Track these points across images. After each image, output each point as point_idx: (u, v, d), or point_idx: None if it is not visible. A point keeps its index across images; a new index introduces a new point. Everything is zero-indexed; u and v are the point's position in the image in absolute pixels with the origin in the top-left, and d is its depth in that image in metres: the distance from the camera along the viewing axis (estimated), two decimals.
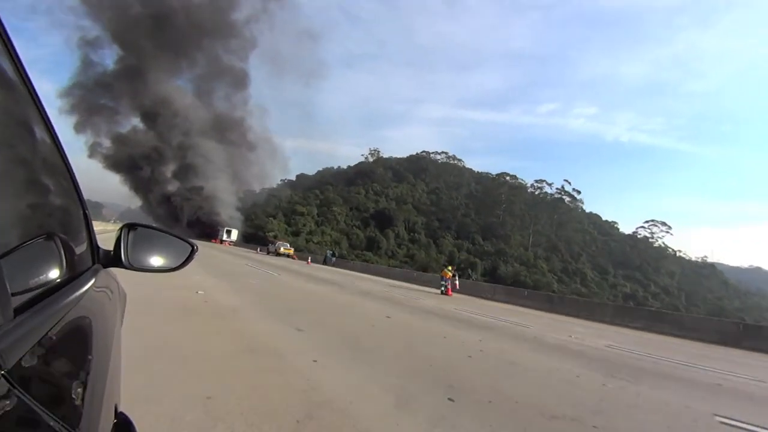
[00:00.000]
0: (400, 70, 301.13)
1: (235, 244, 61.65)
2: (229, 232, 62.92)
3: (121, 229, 1.37)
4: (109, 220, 70.84)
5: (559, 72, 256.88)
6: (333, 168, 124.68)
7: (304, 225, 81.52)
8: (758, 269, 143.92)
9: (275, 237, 61.51)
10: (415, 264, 74.40)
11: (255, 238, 69.92)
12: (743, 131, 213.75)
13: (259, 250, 46.55)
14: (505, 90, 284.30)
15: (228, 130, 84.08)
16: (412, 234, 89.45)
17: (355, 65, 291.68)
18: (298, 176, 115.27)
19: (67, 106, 76.50)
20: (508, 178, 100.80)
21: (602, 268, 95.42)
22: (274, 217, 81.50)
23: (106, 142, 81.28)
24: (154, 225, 1.52)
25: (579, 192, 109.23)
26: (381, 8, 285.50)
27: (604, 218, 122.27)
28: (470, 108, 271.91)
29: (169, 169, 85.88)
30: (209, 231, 72.41)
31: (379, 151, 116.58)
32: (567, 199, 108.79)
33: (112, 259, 1.36)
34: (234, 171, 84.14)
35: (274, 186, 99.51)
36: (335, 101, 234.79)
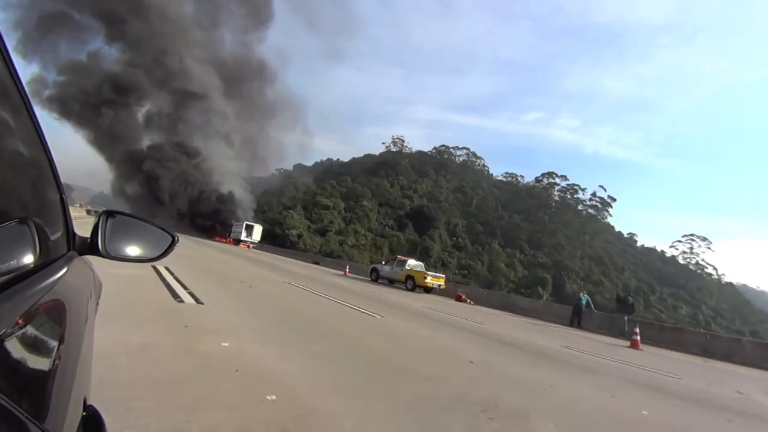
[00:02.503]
0: (390, 69, 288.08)
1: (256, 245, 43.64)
2: (249, 229, 44.47)
3: (99, 215, 1.32)
4: (76, 204, 50.39)
5: (545, 82, 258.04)
6: (332, 160, 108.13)
7: (331, 222, 64.24)
8: (729, 284, 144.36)
9: (392, 254, 43.39)
10: (477, 279, 59.91)
11: (272, 237, 52.09)
12: (715, 150, 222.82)
13: (346, 271, 24.88)
14: (493, 96, 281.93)
15: (240, 80, 63.03)
16: (454, 239, 74.75)
17: (345, 61, 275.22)
18: (316, 164, 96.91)
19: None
20: (556, 179, 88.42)
21: (650, 286, 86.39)
22: (292, 210, 63.39)
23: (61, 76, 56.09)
24: (131, 213, 1.44)
25: (614, 199, 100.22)
26: (376, 4, 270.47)
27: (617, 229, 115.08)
28: (458, 112, 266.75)
29: (148, 112, 62.89)
30: (210, 222, 53.12)
31: (403, 140, 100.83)
32: (599, 206, 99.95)
33: (89, 247, 1.31)
34: (246, 140, 63.88)
35: (290, 169, 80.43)
36: (319, 95, 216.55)
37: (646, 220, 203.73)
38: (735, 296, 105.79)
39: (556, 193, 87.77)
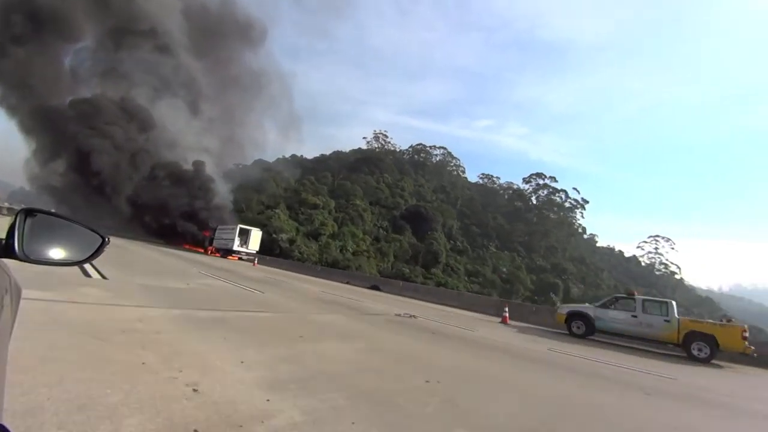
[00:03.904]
0: (348, 69, 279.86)
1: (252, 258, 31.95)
2: (245, 235, 32.50)
3: (17, 214, 1.21)
4: None
5: (496, 91, 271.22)
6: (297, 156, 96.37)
7: (323, 224, 54.19)
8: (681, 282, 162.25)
9: (397, 261, 35.63)
10: (493, 287, 53.92)
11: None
12: (642, 159, 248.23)
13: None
14: (447, 103, 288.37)
15: (218, 36, 49.18)
16: (452, 242, 68.39)
17: (301, 58, 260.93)
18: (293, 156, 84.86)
19: None
20: (547, 180, 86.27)
21: (629, 286, 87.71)
22: (276, 209, 52.30)
23: None
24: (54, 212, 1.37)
25: (587, 201, 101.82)
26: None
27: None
28: (414, 116, 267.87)
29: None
30: (175, 226, 40.50)
31: (386, 136, 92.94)
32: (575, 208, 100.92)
33: (3, 249, 1.18)
34: (219, 117, 50.43)
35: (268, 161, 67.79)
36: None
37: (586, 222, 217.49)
38: (690, 293, 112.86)
39: (544, 194, 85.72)
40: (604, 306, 12.38)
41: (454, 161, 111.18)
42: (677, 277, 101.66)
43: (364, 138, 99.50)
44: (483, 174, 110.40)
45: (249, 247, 31.35)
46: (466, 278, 56.05)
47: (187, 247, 39.27)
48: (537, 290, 58.40)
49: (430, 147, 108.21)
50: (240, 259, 30.46)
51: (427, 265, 55.97)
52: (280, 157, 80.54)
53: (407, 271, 47.82)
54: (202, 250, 36.21)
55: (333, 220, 57.72)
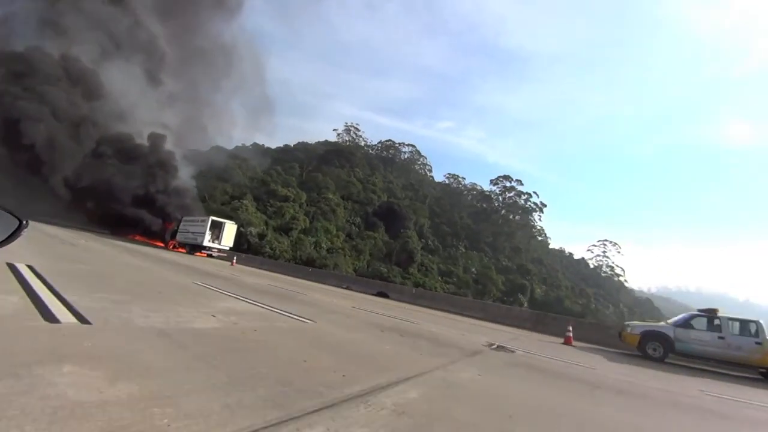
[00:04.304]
0: (311, 60, 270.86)
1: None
2: (217, 228, 28.03)
3: None
4: None
5: (458, 94, 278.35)
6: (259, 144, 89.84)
7: (294, 218, 50.65)
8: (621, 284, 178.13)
9: (373, 259, 33.09)
10: (467, 287, 53.66)
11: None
12: (585, 169, 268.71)
13: None
14: (411, 101, 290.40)
15: (186, 3, 42.98)
16: (423, 241, 67.49)
17: (262, 44, 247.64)
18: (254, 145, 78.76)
19: None
20: (513, 183, 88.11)
21: (580, 287, 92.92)
22: (241, 199, 47.92)
23: None
24: None
25: (545, 205, 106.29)
26: None
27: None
28: (378, 112, 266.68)
29: None
30: (126, 213, 35.04)
31: (358, 128, 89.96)
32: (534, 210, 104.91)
33: None
34: (181, 92, 44.36)
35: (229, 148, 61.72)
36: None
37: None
38: (630, 294, 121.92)
39: (509, 196, 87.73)
40: (684, 326, 11.23)
41: (421, 159, 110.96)
42: (622, 279, 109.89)
43: (334, 130, 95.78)
44: (449, 174, 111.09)
45: (222, 243, 27.38)
46: (439, 278, 55.29)
47: (139, 239, 34.10)
48: (507, 291, 59.16)
49: (399, 144, 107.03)
50: (210, 256, 26.53)
51: (400, 263, 54.41)
52: (240, 144, 74.49)
53: (385, 270, 45.87)
54: (161, 244, 31.50)
55: (304, 214, 54.21)
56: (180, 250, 28.69)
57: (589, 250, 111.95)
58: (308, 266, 37.68)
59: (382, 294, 18.41)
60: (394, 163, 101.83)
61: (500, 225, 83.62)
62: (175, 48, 42.05)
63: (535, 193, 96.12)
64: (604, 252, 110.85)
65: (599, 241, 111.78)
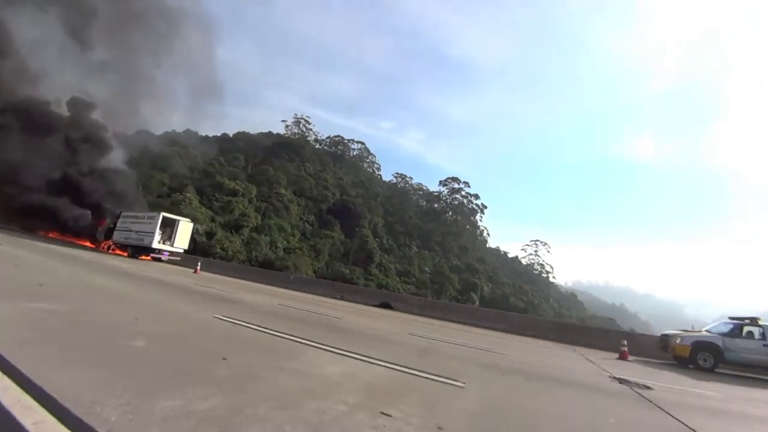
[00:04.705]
0: (249, 46, 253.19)
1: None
2: (170, 227, 23.00)
3: None
4: None
5: (401, 96, 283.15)
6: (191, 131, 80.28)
7: (244, 215, 45.99)
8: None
9: (332, 260, 30.03)
10: (425, 287, 53.40)
11: None
12: (521, 175, 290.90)
13: None
14: (355, 99, 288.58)
15: None
16: (378, 240, 66.10)
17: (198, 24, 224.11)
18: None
19: None
20: (461, 185, 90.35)
21: (519, 285, 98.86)
22: (183, 192, 42.13)
23: None
24: None
25: (486, 207, 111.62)
26: None
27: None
28: (320, 107, 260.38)
29: None
30: (36, 203, 28.00)
31: (308, 121, 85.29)
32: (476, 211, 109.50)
33: None
34: (119, 68, 36.67)
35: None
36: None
37: None
38: (557, 289, 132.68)
39: (458, 197, 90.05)
40: (731, 335, 11.01)
41: (370, 157, 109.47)
42: (550, 276, 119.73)
43: (283, 121, 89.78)
44: (397, 173, 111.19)
45: (175, 245, 22.76)
46: (397, 278, 54.22)
47: (56, 237, 27.50)
48: (461, 290, 60.14)
49: (348, 140, 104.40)
50: (158, 260, 21.91)
51: (358, 263, 52.26)
52: (172, 131, 65.62)
53: (347, 272, 43.42)
54: (91, 245, 25.66)
55: (255, 210, 49.42)
56: (117, 252, 23.44)
57: (522, 249, 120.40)
58: (265, 268, 33.96)
59: (385, 305, 16.33)
60: (343, 160, 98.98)
61: (449, 225, 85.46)
62: (107, 5, 34.53)
63: (476, 195, 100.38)
64: (536, 251, 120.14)
65: (531, 240, 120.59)
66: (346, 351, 5.56)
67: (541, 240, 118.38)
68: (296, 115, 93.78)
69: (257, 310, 9.06)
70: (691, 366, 11.04)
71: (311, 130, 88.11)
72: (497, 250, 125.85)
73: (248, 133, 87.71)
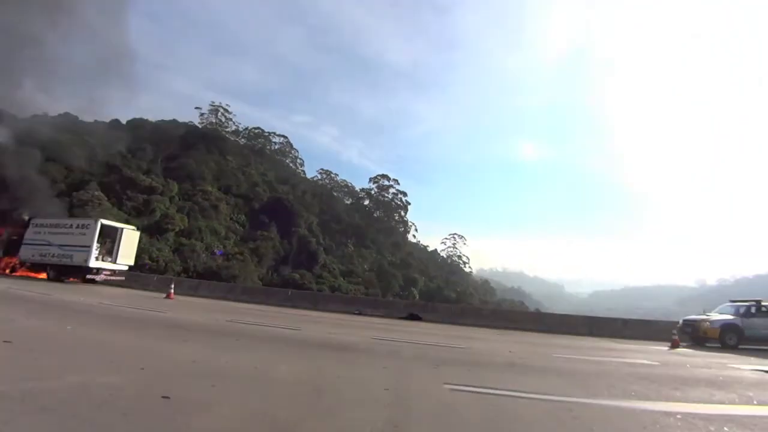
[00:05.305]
0: (137, 18, 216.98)
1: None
2: (110, 239, 17.35)
3: None
4: None
5: (315, 90, 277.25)
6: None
7: (167, 217, 39.39)
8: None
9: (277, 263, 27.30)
10: (372, 286, 52.65)
11: None
12: (423, 174, 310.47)
13: None
14: (264, 89, 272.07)
15: None
16: (314, 239, 63.03)
17: None
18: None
19: None
20: (391, 182, 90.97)
21: (446, 277, 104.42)
22: (87, 189, 34.16)
23: None
24: None
25: (410, 203, 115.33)
26: None
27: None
28: (224, 95, 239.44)
29: None
30: None
31: (228, 110, 76.45)
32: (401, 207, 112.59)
33: None
34: None
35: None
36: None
37: None
38: (472, 277, 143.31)
39: (388, 194, 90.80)
40: (746, 315, 12.57)
41: (293, 152, 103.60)
42: (467, 267, 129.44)
43: (197, 108, 78.60)
44: (322, 169, 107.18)
45: (118, 261, 17.48)
46: (342, 279, 52.26)
47: None
48: (403, 286, 60.75)
49: (269, 133, 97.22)
50: (92, 281, 16.61)
51: (300, 265, 48.84)
52: (41, 113, 51.83)
53: (297, 276, 40.06)
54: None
55: (177, 210, 42.38)
56: (28, 273, 17.21)
57: (442, 242, 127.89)
58: (208, 279, 29.32)
59: (413, 317, 14.91)
60: (264, 154, 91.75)
61: (382, 222, 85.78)
62: None
63: (403, 192, 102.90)
64: (454, 244, 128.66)
65: (450, 234, 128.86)
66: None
67: (459, 233, 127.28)
68: (213, 102, 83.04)
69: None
70: (718, 345, 12.36)
71: (231, 120, 79.19)
72: (418, 244, 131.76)
73: (148, 120, 75.16)
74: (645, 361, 8.70)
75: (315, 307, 15.82)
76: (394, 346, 7.84)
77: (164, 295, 14.71)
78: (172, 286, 14.87)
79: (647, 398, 5.23)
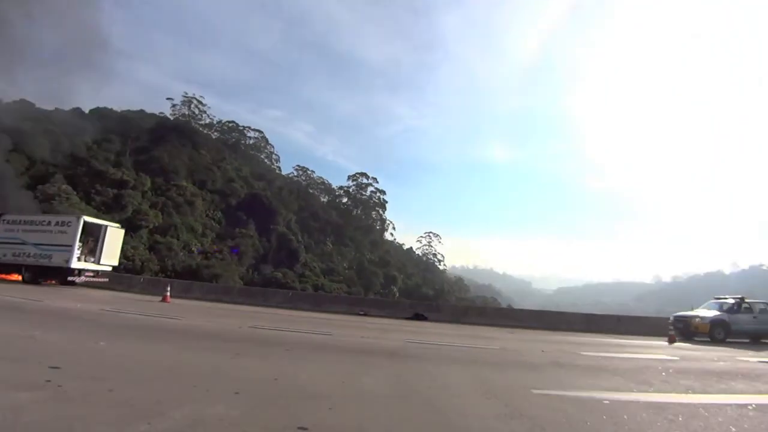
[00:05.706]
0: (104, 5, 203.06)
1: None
2: (93, 237, 16.29)
3: None
4: None
5: (289, 85, 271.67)
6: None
7: (140, 213, 37.40)
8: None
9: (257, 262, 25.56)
10: (354, 285, 52.40)
11: None
12: (397, 171, 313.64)
13: None
14: (236, 81, 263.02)
15: None
16: (293, 236, 61.90)
17: None
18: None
19: None
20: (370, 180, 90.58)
21: (423, 275, 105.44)
22: (52, 182, 31.79)
23: None
24: None
25: (387, 201, 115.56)
26: None
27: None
28: (192, 85, 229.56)
29: None
30: None
31: (202, 102, 73.13)
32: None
33: None
34: None
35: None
36: None
37: None
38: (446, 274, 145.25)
39: (366, 193, 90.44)
40: (731, 311, 13.54)
41: (269, 147, 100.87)
42: (441, 265, 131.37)
43: (169, 99, 74.59)
44: (298, 166, 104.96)
45: (102, 261, 16.28)
46: (324, 277, 51.60)
47: None
48: (384, 284, 60.82)
49: (244, 128, 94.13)
50: (71, 283, 15.35)
51: (280, 263, 47.77)
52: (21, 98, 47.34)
53: (280, 275, 39.10)
54: None
55: (150, 206, 40.19)
56: None
57: (418, 240, 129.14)
58: (187, 279, 28.10)
59: (419, 316, 14.90)
60: (238, 149, 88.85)
61: (360, 220, 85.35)
62: None
63: (382, 191, 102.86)
64: (429, 242, 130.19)
65: (425, 233, 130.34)
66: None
67: (434, 232, 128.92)
68: (186, 93, 79.04)
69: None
70: (707, 339, 13.25)
71: (205, 113, 75.96)
72: (394, 242, 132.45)
73: (113, 109, 70.72)
74: (664, 356, 9.11)
75: (317, 308, 15.43)
76: (433, 350, 7.76)
77: (159, 298, 13.85)
78: (168, 288, 14.01)
79: (705, 392, 5.47)
